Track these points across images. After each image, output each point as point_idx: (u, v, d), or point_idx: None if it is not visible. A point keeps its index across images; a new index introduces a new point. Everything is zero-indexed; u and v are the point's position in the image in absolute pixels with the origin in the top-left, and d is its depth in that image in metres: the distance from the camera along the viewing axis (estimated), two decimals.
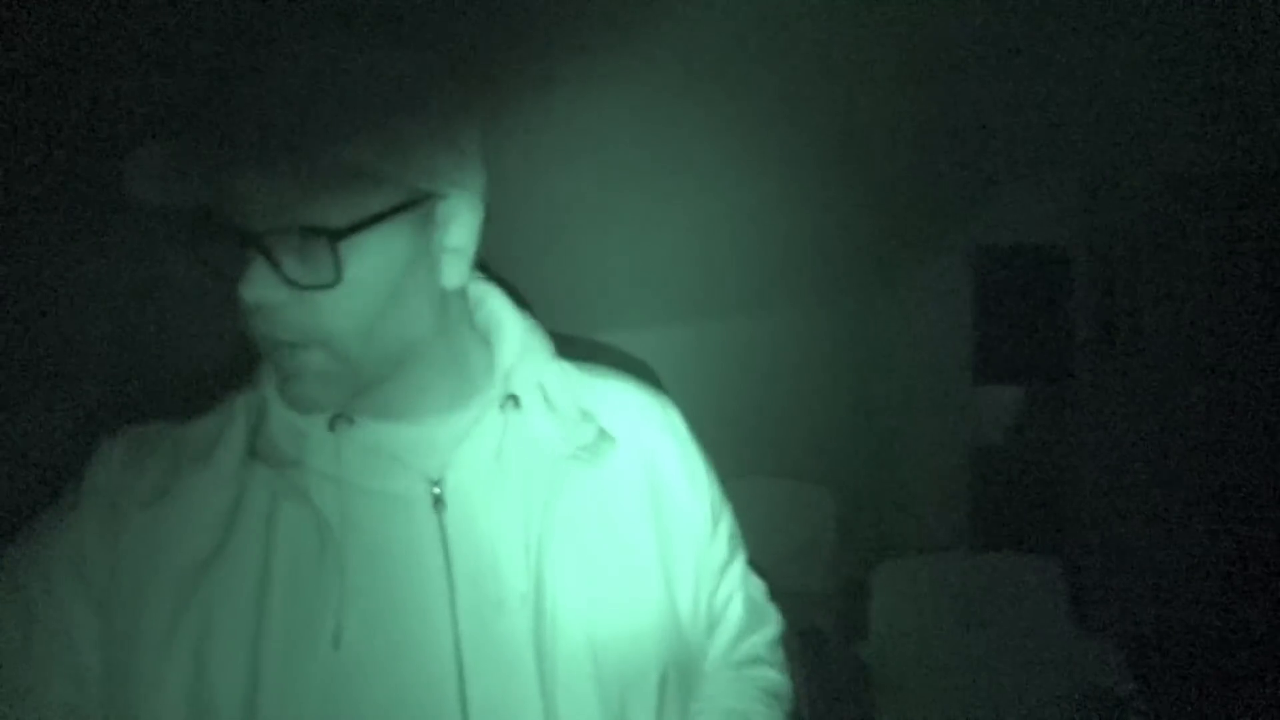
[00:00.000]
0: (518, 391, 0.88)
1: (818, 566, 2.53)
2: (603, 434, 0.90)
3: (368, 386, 0.80)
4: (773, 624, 1.06)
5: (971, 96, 1.74)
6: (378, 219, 0.74)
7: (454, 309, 0.85)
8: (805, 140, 1.65)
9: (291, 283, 0.72)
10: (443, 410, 0.87)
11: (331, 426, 0.84)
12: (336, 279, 0.73)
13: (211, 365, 1.33)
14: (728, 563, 1.00)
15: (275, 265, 0.72)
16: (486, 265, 0.91)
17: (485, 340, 0.91)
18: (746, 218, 1.74)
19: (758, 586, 1.06)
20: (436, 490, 0.84)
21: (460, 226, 0.80)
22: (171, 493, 0.82)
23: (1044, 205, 2.49)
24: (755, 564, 1.05)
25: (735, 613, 1.01)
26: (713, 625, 0.99)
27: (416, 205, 0.76)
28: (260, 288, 0.72)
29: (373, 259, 0.74)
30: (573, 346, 0.98)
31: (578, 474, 0.87)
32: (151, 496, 0.82)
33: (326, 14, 0.81)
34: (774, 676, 1.03)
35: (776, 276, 2.06)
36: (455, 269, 0.81)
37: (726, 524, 1.01)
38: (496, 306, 0.93)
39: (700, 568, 0.95)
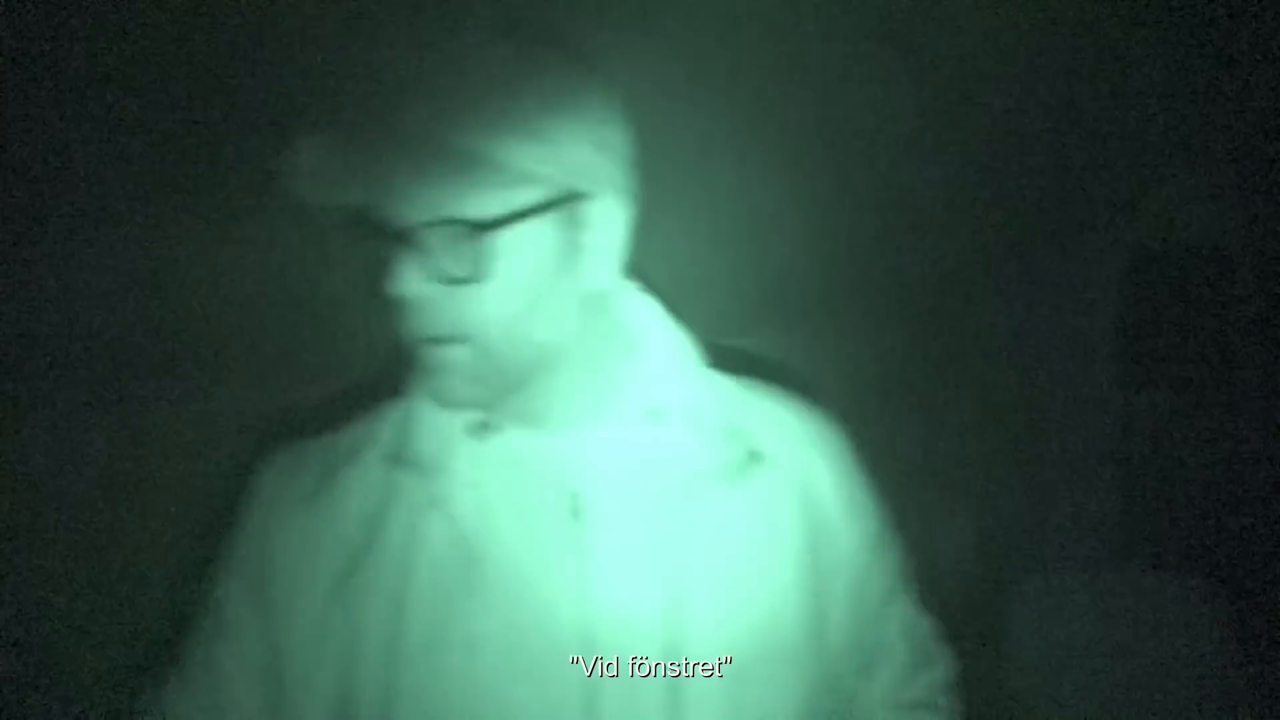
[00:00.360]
0: (661, 404, 0.86)
1: (955, 582, 2.45)
2: (752, 453, 0.87)
3: (512, 389, 0.81)
4: (942, 666, 0.99)
5: (1124, 87, 1.64)
6: (526, 215, 0.74)
7: (599, 314, 0.84)
8: (948, 135, 1.58)
9: (441, 277, 0.74)
10: (584, 421, 0.85)
11: (474, 435, 0.84)
12: (485, 273, 0.74)
13: (366, 374, 1.38)
14: (889, 597, 0.95)
15: (426, 260, 0.73)
16: (634, 271, 0.89)
17: (630, 349, 0.89)
18: (887, 215, 1.68)
19: (925, 625, 0.99)
20: (575, 502, 0.83)
21: (606, 227, 0.79)
22: (322, 496, 0.86)
23: (1204, 203, 2.34)
24: None
25: (897, 651, 0.95)
26: (870, 663, 0.94)
27: (564, 203, 0.76)
28: (411, 282, 0.74)
29: (520, 255, 0.75)
30: (731, 358, 0.94)
31: (722, 492, 0.84)
32: (305, 500, 0.86)
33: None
34: None
35: (920, 277, 1.98)
36: (599, 270, 0.80)
37: (890, 556, 0.95)
38: (643, 314, 0.90)
39: (856, 600, 0.90)
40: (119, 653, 1.33)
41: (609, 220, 0.79)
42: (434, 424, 0.85)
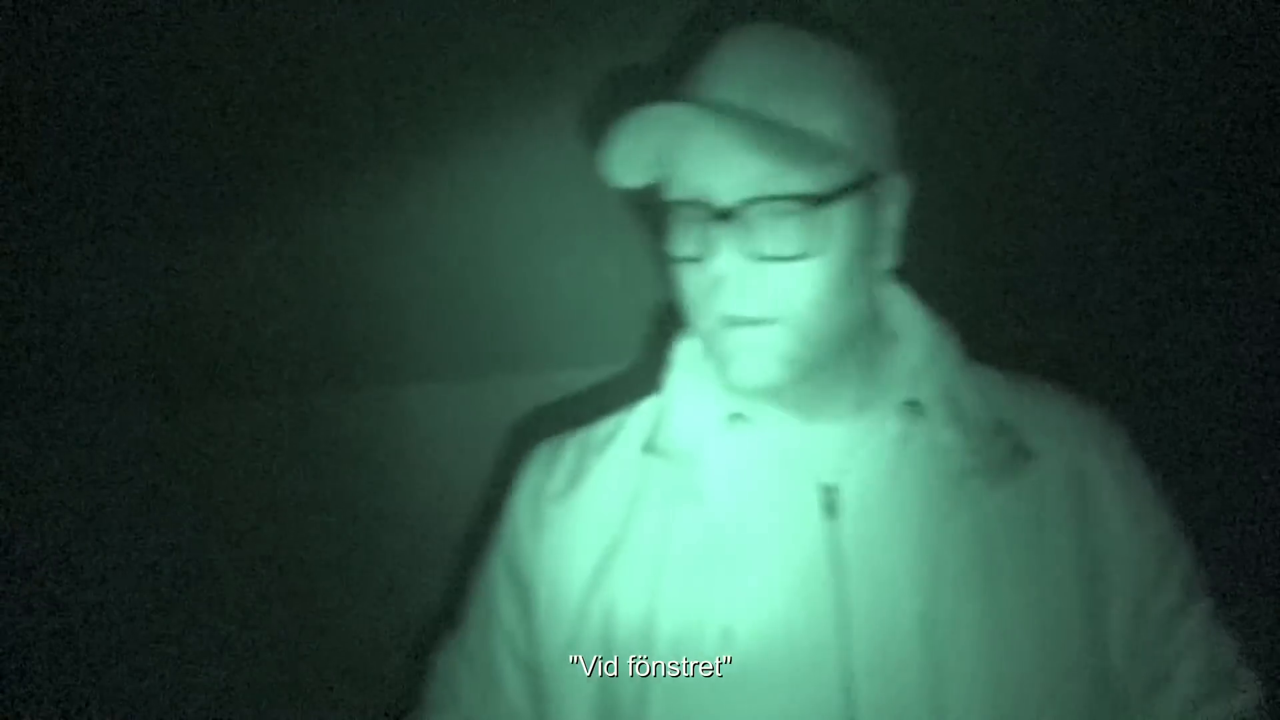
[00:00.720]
0: (921, 397, 0.83)
1: None
2: (1019, 449, 0.82)
3: (813, 372, 0.79)
4: (1243, 693, 0.88)
5: None
6: (846, 191, 0.75)
7: (874, 303, 0.83)
8: (1097, 135, 1.46)
9: (762, 256, 0.74)
10: (841, 413, 0.84)
11: (729, 426, 0.85)
12: (808, 250, 0.74)
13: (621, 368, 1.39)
14: (1179, 611, 0.86)
15: (747, 238, 0.74)
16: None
17: (890, 339, 0.86)
18: (1042, 219, 1.56)
19: (1225, 645, 0.88)
20: (830, 496, 0.82)
21: (896, 207, 0.81)
22: (582, 485, 0.89)
23: None
24: None
25: (1187, 672, 0.86)
26: (1156, 683, 0.85)
27: (871, 181, 0.78)
28: (733, 261, 0.74)
29: (836, 232, 0.76)
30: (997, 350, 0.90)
31: (986, 490, 0.81)
32: (562, 492, 0.90)
33: None
34: None
35: (1074, 284, 1.84)
36: (892, 249, 0.81)
37: (1181, 566, 0.86)
38: (904, 306, 0.88)
39: (1140, 612, 0.83)
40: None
41: (900, 199, 0.81)
42: (689, 415, 0.86)
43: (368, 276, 1.34)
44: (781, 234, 0.74)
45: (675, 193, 0.77)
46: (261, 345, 1.40)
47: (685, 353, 0.91)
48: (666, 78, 0.84)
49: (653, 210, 0.84)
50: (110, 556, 1.48)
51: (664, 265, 0.82)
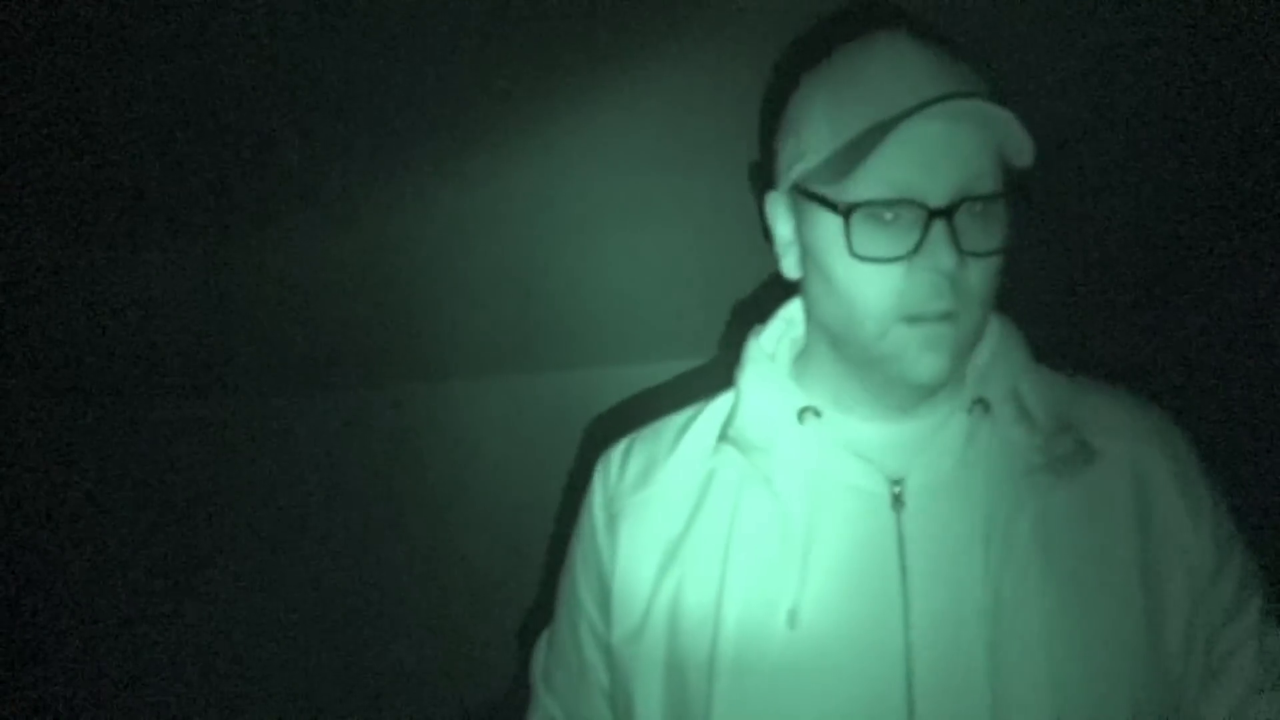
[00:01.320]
0: (989, 395, 0.85)
1: None
2: (1083, 447, 0.84)
3: (961, 367, 0.82)
4: None
5: None
6: (1015, 190, 0.79)
7: None
8: (1116, 134, 1.45)
9: (972, 252, 0.76)
10: (910, 409, 0.86)
11: (800, 419, 0.87)
12: (1000, 246, 0.78)
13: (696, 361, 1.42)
14: (1236, 607, 0.87)
15: (955, 236, 0.75)
16: None
17: None
18: (1113, 221, 1.55)
19: (1279, 641, 0.90)
20: (897, 490, 0.84)
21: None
22: (654, 477, 0.93)
23: None
24: None
25: (1243, 666, 0.87)
26: (1212, 675, 0.87)
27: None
28: (944, 257, 0.75)
29: (1008, 230, 0.79)
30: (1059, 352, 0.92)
31: (1049, 487, 0.82)
32: (638, 483, 0.93)
33: None
34: None
35: (1077, 285, 1.82)
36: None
37: (1238, 563, 0.88)
38: None
39: (1198, 608, 0.84)
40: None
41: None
42: (762, 408, 0.89)
43: (428, 272, 1.38)
44: (986, 232, 0.77)
45: (869, 193, 0.77)
46: (320, 341, 1.44)
47: (757, 349, 0.94)
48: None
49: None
50: (161, 551, 1.53)
51: (747, 261, 0.84)
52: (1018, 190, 0.79)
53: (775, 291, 0.98)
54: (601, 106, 1.19)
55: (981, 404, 0.85)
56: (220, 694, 1.55)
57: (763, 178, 0.93)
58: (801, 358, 0.93)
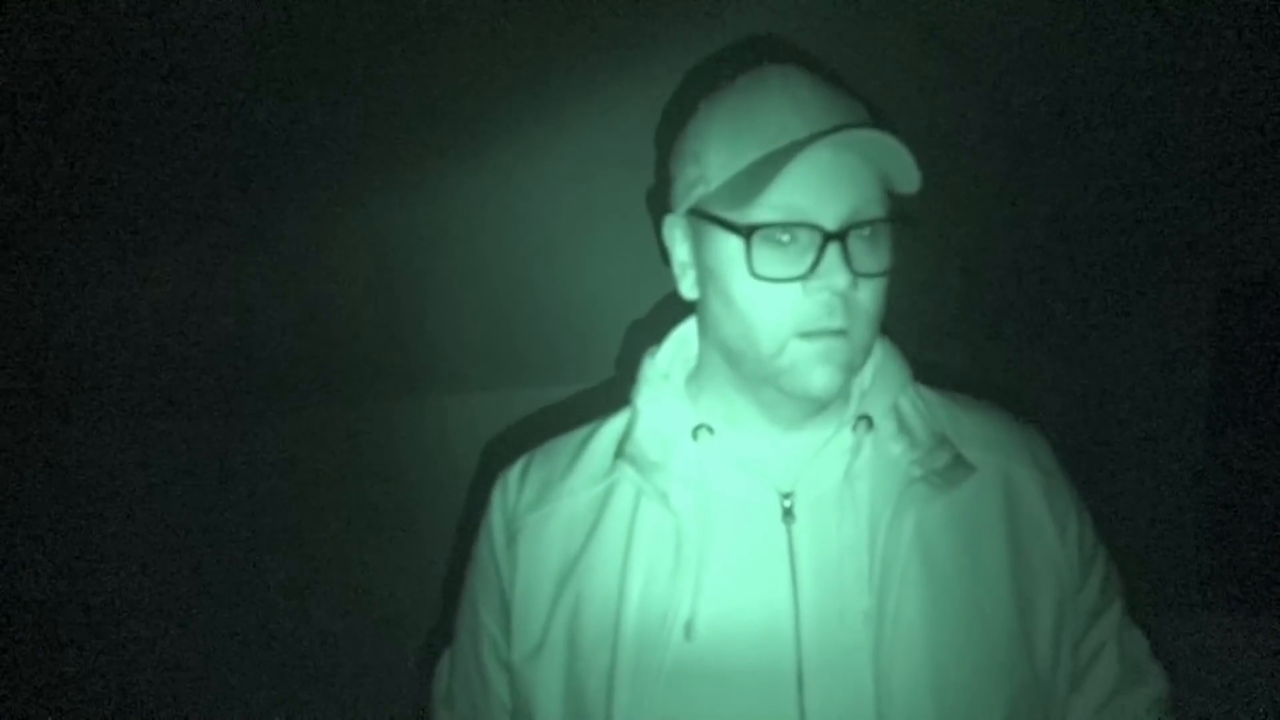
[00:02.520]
0: (872, 412, 0.89)
1: None
2: (958, 460, 0.89)
3: (849, 382, 0.86)
4: (1153, 684, 0.96)
5: (1213, 111, 1.60)
6: (905, 215, 0.84)
7: None
8: (1026, 159, 1.55)
9: (863, 273, 0.81)
10: (799, 425, 0.89)
11: (695, 436, 0.90)
12: (887, 267, 0.82)
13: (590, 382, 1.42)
14: (1100, 610, 0.94)
15: (848, 259, 0.79)
16: None
17: None
18: (963, 246, 1.64)
19: (1137, 641, 0.97)
20: (787, 503, 0.87)
21: None
22: (551, 495, 0.94)
23: None
24: None
25: (1106, 666, 0.94)
26: (1078, 677, 0.93)
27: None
28: (844, 279, 0.79)
29: (892, 252, 0.84)
30: (936, 373, 0.97)
31: (928, 498, 0.86)
32: (536, 501, 0.94)
33: None
34: None
35: (993, 308, 1.94)
36: None
37: (1101, 568, 0.94)
38: None
39: (1065, 611, 0.90)
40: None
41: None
42: (657, 425, 0.91)
43: (417, 289, 1.38)
44: (875, 254, 0.82)
45: (767, 217, 0.80)
46: (313, 358, 1.43)
47: (653, 368, 0.96)
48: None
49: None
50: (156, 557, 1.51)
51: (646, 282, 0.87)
52: (903, 216, 0.84)
53: (669, 312, 1.00)
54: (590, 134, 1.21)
55: (865, 420, 0.89)
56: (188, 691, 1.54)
57: (660, 202, 0.95)
58: (695, 376, 0.95)
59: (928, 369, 0.99)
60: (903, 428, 0.90)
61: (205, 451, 1.50)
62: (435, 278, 1.38)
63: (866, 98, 0.89)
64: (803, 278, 0.81)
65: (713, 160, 0.85)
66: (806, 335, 0.82)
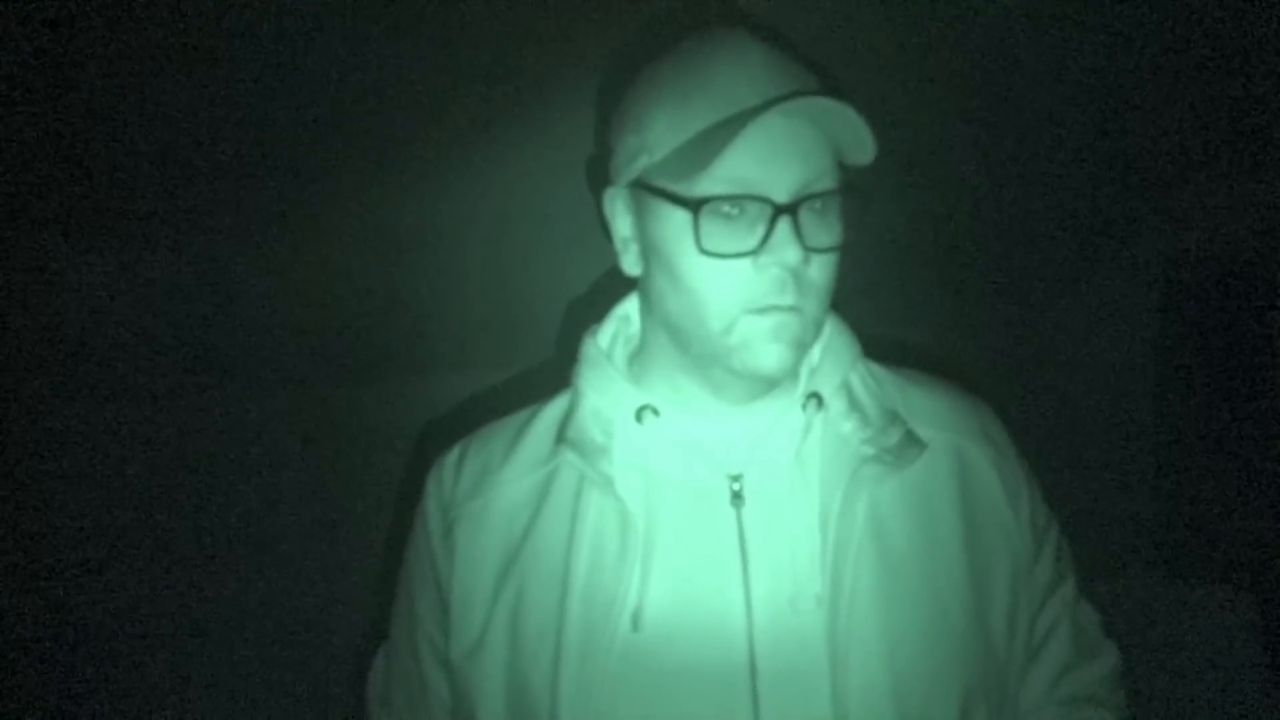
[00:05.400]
0: (821, 390, 0.87)
1: None
2: (910, 437, 0.86)
3: (802, 359, 0.84)
4: (1106, 658, 0.96)
5: (1156, 85, 1.60)
6: (856, 187, 0.81)
7: None
8: (969, 132, 1.54)
9: (814, 247, 0.78)
10: (747, 404, 0.87)
11: (639, 418, 0.86)
12: (839, 242, 0.79)
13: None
14: (1053, 585, 0.92)
15: (800, 231, 0.76)
16: None
17: None
18: (907, 221, 1.63)
19: (1090, 616, 0.96)
20: (736, 486, 0.85)
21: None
22: (490, 482, 0.90)
23: (1243, 210, 2.31)
24: None
25: (1059, 641, 0.92)
26: (1033, 652, 0.91)
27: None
28: (796, 253, 0.76)
29: (843, 226, 0.81)
30: (882, 348, 0.95)
31: (881, 477, 0.84)
32: (473, 490, 0.90)
33: None
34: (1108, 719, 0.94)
35: (941, 280, 1.93)
36: None
37: (1053, 544, 0.93)
38: None
39: (1020, 587, 0.89)
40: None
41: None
42: (600, 408, 0.88)
43: (389, 277, 1.35)
44: (827, 228, 0.79)
45: (715, 189, 0.77)
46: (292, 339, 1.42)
47: (594, 348, 0.92)
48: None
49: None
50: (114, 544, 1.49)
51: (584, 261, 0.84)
52: (855, 187, 0.81)
53: (611, 289, 0.96)
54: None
55: (815, 398, 0.87)
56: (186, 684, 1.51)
57: (599, 174, 0.90)
58: (639, 356, 0.92)
59: (886, 346, 0.96)
60: (853, 405, 0.87)
61: (169, 432, 1.46)
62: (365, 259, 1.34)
63: (825, 67, 0.86)
64: (753, 253, 0.77)
65: (656, 129, 0.81)
66: (757, 312, 0.79)
